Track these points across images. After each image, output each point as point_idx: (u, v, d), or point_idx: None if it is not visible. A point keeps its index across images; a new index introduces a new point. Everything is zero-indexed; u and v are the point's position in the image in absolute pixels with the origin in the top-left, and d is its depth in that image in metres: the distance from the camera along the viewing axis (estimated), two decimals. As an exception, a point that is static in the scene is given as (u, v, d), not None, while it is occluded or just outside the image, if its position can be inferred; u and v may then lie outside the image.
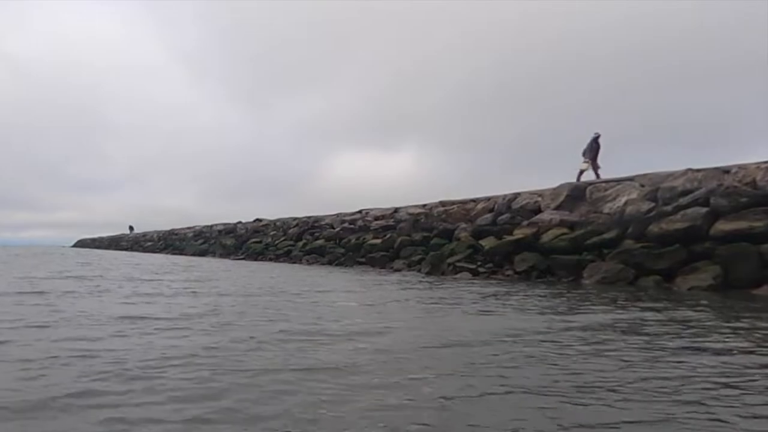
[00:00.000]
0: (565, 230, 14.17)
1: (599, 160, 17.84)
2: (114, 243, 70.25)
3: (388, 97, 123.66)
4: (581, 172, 17.84)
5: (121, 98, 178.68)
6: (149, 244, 55.13)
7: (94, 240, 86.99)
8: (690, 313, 7.13)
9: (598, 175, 17.40)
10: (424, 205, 22.26)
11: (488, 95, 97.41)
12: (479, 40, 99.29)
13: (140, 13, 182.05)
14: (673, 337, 5.36)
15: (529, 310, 7.52)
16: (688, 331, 5.79)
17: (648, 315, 6.99)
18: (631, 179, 14.39)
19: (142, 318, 6.46)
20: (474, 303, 8.32)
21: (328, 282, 13.10)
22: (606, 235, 12.95)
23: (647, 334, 5.56)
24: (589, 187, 15.17)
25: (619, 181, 14.62)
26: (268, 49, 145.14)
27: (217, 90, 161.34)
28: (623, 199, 13.66)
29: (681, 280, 11.05)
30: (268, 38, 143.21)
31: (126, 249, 59.46)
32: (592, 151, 17.80)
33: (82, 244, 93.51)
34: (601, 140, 17.95)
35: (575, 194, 15.36)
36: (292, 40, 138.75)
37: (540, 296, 9.45)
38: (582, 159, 17.97)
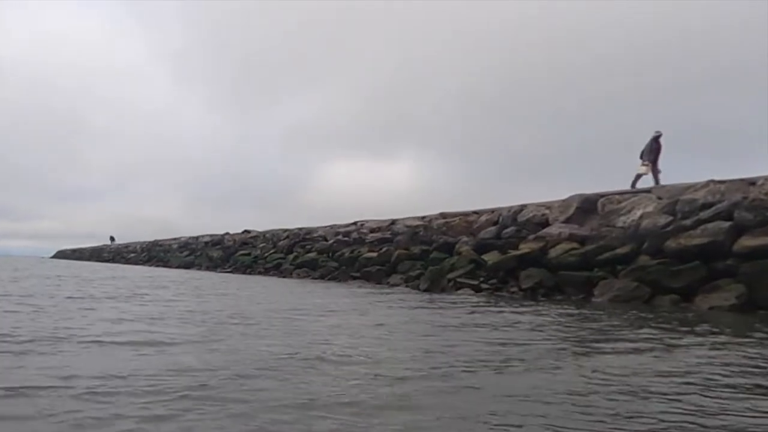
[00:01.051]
0: (574, 245, 13.93)
1: (659, 164, 16.49)
2: (95, 254, 70.05)
3: (384, 101, 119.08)
4: (638, 176, 16.52)
5: (103, 101, 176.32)
6: (132, 255, 54.90)
7: (74, 251, 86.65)
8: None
9: (657, 181, 16.14)
10: (423, 217, 22.18)
11: (492, 98, 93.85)
12: (481, 39, 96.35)
13: (122, 13, 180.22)
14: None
15: (561, 339, 6.66)
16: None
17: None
18: (647, 191, 14.13)
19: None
20: (493, 329, 7.51)
21: (331, 301, 12.41)
22: (619, 251, 12.68)
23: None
24: (602, 200, 14.90)
25: (634, 192, 14.30)
26: (256, 51, 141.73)
27: (202, 93, 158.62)
28: (639, 212, 13.34)
29: (701, 300, 10.73)
30: (256, 39, 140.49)
31: (108, 260, 59.26)
32: (653, 152, 16.45)
33: (62, 255, 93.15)
34: (662, 140, 16.64)
35: (586, 206, 15.13)
36: (282, 42, 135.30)
37: (560, 319, 8.82)
38: (640, 162, 16.61)
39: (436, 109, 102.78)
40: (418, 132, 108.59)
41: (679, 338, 6.81)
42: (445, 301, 12.20)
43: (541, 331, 7.48)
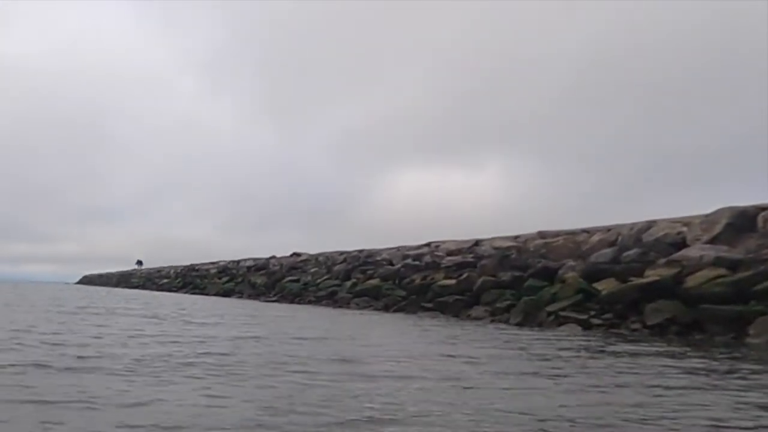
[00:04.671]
0: (722, 271, 13.16)
1: None
2: (124, 280, 73.12)
3: (463, 96, 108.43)
4: None
5: (128, 111, 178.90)
6: (165, 281, 56.54)
7: (101, 276, 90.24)
8: None
9: None
10: (516, 237, 21.94)
11: (605, 87, 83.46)
12: (592, 7, 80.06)
13: (149, 12, 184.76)
14: None
15: None
16: None
17: None
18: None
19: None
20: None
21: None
22: (787, 279, 11.93)
23: None
24: (763, 213, 13.95)
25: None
26: (301, 44, 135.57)
27: (239, 97, 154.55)
28: (816, 229, 12.17)
29: None
30: (301, 25, 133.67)
31: (137, 287, 61.28)
32: None
33: (87, 280, 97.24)
34: None
35: (740, 223, 14.30)
36: (333, 28, 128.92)
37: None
38: None
39: (535, 103, 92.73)
40: (510, 134, 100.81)
41: None
42: (568, 347, 10.20)
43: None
